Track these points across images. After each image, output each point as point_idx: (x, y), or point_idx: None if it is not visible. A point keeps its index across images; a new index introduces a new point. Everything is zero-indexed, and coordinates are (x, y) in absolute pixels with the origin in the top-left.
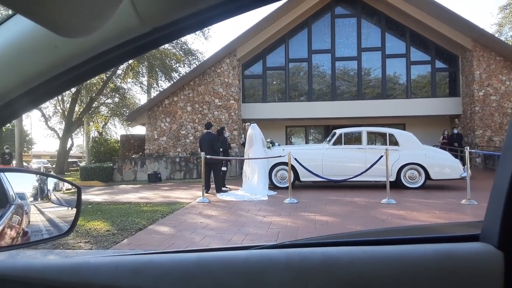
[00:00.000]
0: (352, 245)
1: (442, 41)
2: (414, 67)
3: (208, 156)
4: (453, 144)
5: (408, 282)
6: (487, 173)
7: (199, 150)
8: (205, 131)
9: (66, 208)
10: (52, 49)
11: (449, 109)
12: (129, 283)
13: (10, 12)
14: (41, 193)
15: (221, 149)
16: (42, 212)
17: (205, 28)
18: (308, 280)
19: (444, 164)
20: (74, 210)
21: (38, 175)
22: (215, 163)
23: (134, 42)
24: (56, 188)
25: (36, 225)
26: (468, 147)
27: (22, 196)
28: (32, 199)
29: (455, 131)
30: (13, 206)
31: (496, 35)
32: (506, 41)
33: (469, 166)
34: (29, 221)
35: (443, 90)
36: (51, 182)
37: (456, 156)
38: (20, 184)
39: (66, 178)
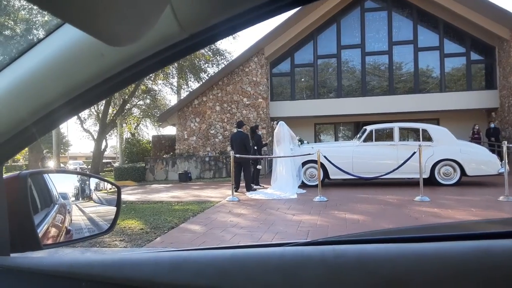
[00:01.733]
0: (387, 242)
1: (478, 32)
2: (448, 60)
3: (237, 155)
4: (490, 139)
5: (446, 279)
6: None
7: (229, 149)
8: (236, 130)
9: (107, 206)
10: (98, 57)
11: (486, 102)
12: (168, 278)
13: (59, 21)
14: (82, 193)
15: (255, 147)
16: (83, 211)
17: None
18: (343, 277)
19: (480, 160)
20: (114, 209)
21: (80, 176)
22: (245, 162)
23: (172, 48)
24: (97, 188)
25: (77, 224)
26: (505, 142)
27: (64, 196)
28: (74, 198)
29: (492, 125)
30: (56, 206)
31: None
32: None
33: (507, 161)
34: (71, 220)
35: (479, 82)
36: (92, 182)
37: (493, 151)
38: (63, 184)
39: (106, 178)
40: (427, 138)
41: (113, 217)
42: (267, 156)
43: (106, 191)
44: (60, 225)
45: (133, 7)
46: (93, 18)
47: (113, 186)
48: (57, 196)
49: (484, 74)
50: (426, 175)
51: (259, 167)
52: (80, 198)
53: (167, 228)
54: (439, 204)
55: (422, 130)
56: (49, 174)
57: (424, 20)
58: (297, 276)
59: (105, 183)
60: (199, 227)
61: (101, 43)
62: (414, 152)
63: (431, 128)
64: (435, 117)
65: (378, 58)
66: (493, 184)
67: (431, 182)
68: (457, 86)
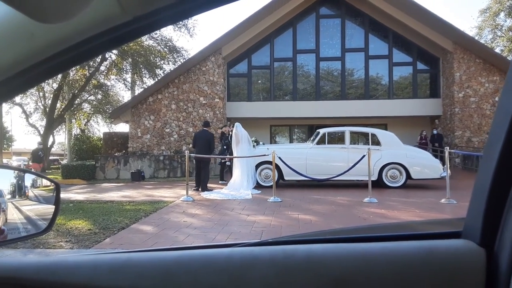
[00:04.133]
0: (336, 242)
1: (424, 43)
2: (396, 68)
3: (192, 155)
4: (433, 144)
5: (390, 278)
6: (466, 173)
7: (184, 148)
8: (201, 128)
9: (45, 205)
10: (29, 37)
11: (430, 110)
12: (107, 282)
13: None
14: (19, 190)
15: (224, 147)
16: (20, 210)
17: (189, 23)
18: (291, 277)
19: (424, 164)
20: (53, 208)
21: (16, 172)
22: (206, 161)
23: (115, 31)
24: (34, 185)
25: (13, 223)
26: (447, 148)
27: None
28: (9, 196)
29: (435, 131)
30: None
31: (476, 38)
32: (485, 44)
33: (448, 166)
34: (6, 219)
35: (424, 91)
36: (29, 179)
37: (436, 156)
38: None
39: (45, 175)
40: (376, 142)
41: (51, 216)
42: (223, 156)
43: (44, 188)
44: None
45: None
46: None
47: (52, 183)
48: None
49: (429, 83)
50: (374, 177)
51: (228, 163)
52: (17, 196)
53: (117, 228)
54: (386, 206)
55: (371, 134)
56: None
57: (375, 29)
58: (244, 277)
59: (44, 180)
60: (151, 227)
61: (31, 21)
62: (364, 155)
63: (379, 132)
64: (383, 122)
65: (332, 64)
66: (436, 187)
67: (379, 184)
68: (404, 93)
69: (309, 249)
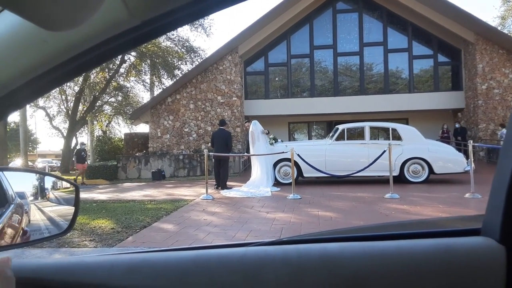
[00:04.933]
0: (351, 240)
1: (444, 35)
2: (416, 62)
3: (211, 153)
4: (457, 138)
5: (406, 277)
6: (491, 166)
7: (203, 147)
8: (218, 128)
9: (65, 206)
10: (41, 44)
11: (452, 103)
12: (124, 282)
13: None
14: (41, 192)
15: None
16: (42, 211)
17: (206, 23)
18: (305, 277)
19: (447, 158)
20: (73, 209)
21: (38, 174)
22: (225, 160)
23: (124, 36)
24: (54, 187)
25: (36, 224)
26: (471, 141)
27: (22, 195)
28: (32, 198)
29: (457, 125)
30: (12, 205)
31: (499, 28)
32: (509, 34)
33: (472, 159)
34: (29, 220)
35: (445, 84)
36: (49, 181)
37: (459, 150)
38: (20, 183)
39: (66, 177)
40: (397, 137)
41: (71, 216)
42: (241, 154)
43: (64, 190)
44: (17, 225)
45: None
46: (27, 1)
47: (72, 185)
48: (13, 196)
49: (450, 76)
50: (395, 173)
51: None
52: (39, 198)
53: (139, 227)
54: (408, 201)
55: (392, 129)
56: (4, 172)
57: (393, 22)
58: (258, 276)
59: (63, 182)
60: (172, 226)
61: (43, 30)
62: (384, 151)
63: (400, 127)
64: (404, 117)
65: (350, 58)
66: (460, 181)
67: (400, 179)
68: (425, 87)
69: (323, 248)
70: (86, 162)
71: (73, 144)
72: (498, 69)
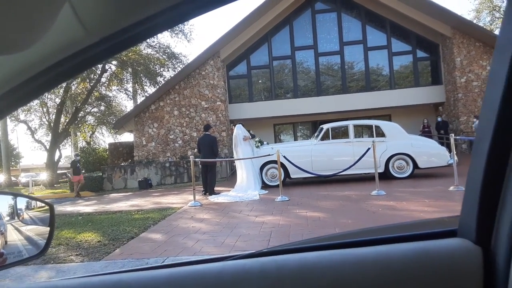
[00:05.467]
0: (330, 248)
1: (422, 31)
2: (396, 58)
3: (197, 159)
4: (439, 132)
5: (386, 282)
6: None
7: (189, 153)
8: (203, 133)
9: (40, 227)
10: None
11: (433, 97)
12: None
13: None
14: (16, 213)
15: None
16: (20, 231)
17: (186, 28)
18: None
19: (430, 153)
20: (48, 229)
21: (12, 195)
22: (212, 165)
23: (84, 53)
24: (28, 207)
25: (13, 245)
26: (453, 134)
27: None
28: (8, 218)
29: (439, 119)
30: None
31: (475, 21)
32: (484, 27)
33: (455, 152)
34: (6, 242)
35: (425, 79)
36: (22, 202)
37: (442, 144)
38: None
39: (38, 197)
40: (380, 134)
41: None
42: (228, 159)
43: (39, 210)
44: None
45: (17, 9)
46: None
47: (46, 205)
48: None
49: (430, 71)
50: (381, 169)
51: None
52: (16, 218)
53: (126, 238)
54: (394, 197)
55: (375, 126)
56: None
57: (372, 20)
58: None
59: (37, 202)
60: (160, 235)
61: None
62: (369, 148)
63: (383, 124)
64: (387, 113)
65: (331, 58)
66: (444, 175)
67: (386, 176)
68: (405, 83)
69: (302, 258)
70: (82, 175)
71: (56, 157)
72: (476, 62)
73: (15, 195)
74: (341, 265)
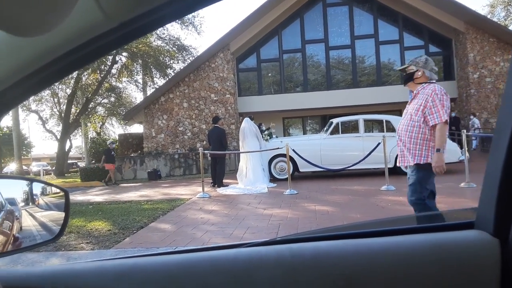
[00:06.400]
0: (343, 238)
1: (435, 25)
2: (407, 53)
3: (206, 152)
4: (450, 128)
5: (400, 273)
6: (485, 155)
7: (198, 145)
8: (212, 125)
9: (55, 211)
10: (14, 51)
11: None
12: None
13: None
14: (32, 198)
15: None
16: (34, 217)
17: (196, 21)
18: (298, 276)
19: None
20: (63, 214)
21: (28, 181)
22: (221, 158)
23: (102, 38)
24: (43, 193)
25: (28, 231)
26: (464, 131)
27: (12, 202)
28: (23, 204)
29: (453, 114)
30: (2, 212)
31: (489, 16)
32: (498, 22)
33: (466, 149)
34: (21, 227)
35: (438, 74)
36: (38, 187)
37: (453, 140)
38: (10, 190)
39: (60, 181)
40: (391, 129)
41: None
42: (237, 152)
43: (54, 196)
44: (8, 232)
45: None
46: None
47: (61, 191)
48: (3, 202)
49: (442, 66)
50: (391, 164)
51: None
52: (30, 204)
53: (136, 228)
54: (404, 193)
55: (386, 121)
56: None
57: (384, 14)
58: (250, 277)
59: (52, 187)
60: (169, 225)
61: (15, 36)
62: (379, 143)
63: (394, 119)
64: (397, 109)
65: (342, 52)
66: (454, 171)
67: (396, 171)
68: None
69: (316, 247)
70: (115, 164)
71: (67, 147)
72: (489, 58)
73: (31, 180)
74: (354, 255)
